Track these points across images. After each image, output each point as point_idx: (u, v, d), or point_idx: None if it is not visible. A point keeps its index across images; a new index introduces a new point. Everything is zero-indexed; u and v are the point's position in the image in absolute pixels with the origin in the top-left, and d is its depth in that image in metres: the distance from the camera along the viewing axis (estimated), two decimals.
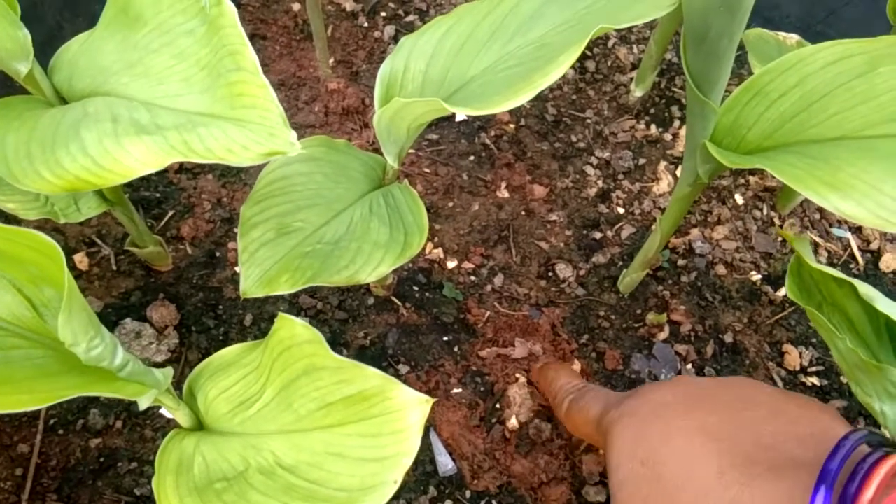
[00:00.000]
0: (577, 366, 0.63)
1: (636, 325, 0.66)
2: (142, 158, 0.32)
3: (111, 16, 0.40)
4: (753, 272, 0.70)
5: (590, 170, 0.76)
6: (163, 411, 0.53)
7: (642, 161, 0.77)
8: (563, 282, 0.69)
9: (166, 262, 0.64)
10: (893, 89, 0.40)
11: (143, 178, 0.69)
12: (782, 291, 0.69)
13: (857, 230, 0.74)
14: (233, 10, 0.34)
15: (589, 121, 0.80)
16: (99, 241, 0.65)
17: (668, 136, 0.79)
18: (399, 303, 0.66)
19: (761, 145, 0.45)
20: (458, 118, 0.78)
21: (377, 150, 0.49)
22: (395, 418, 0.33)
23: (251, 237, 0.43)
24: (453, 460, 0.58)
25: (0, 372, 0.32)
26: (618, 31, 0.88)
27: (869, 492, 0.27)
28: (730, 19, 0.38)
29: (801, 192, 0.37)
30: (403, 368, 0.62)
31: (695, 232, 0.72)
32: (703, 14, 0.39)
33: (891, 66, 0.41)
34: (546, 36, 0.44)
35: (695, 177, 0.49)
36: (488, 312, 0.66)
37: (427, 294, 0.67)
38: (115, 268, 0.64)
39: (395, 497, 0.44)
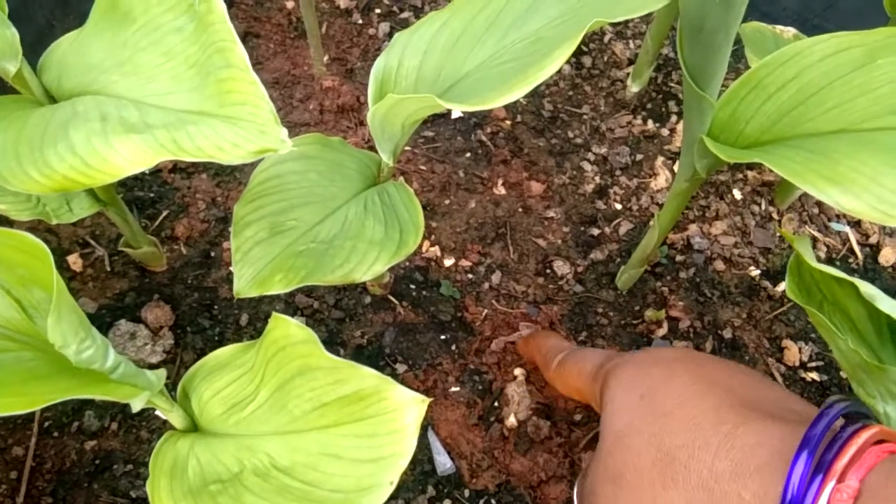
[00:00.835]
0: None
1: (635, 322, 0.66)
2: (131, 157, 0.31)
3: (100, 14, 0.40)
4: (752, 267, 0.70)
5: (587, 166, 0.76)
6: (158, 413, 0.53)
7: (639, 157, 0.77)
8: (560, 279, 0.68)
9: (161, 262, 0.63)
10: (892, 81, 0.40)
11: (136, 178, 0.68)
12: (781, 287, 0.68)
13: (855, 224, 0.74)
14: (222, 7, 0.33)
15: (585, 116, 0.79)
16: (93, 242, 0.64)
17: (665, 132, 0.79)
18: (396, 301, 0.65)
19: (759, 139, 0.44)
20: (454, 115, 0.78)
21: (372, 148, 0.48)
22: (391, 418, 0.33)
23: (244, 236, 0.42)
24: (452, 459, 0.58)
25: None
26: (614, 26, 0.87)
27: (844, 459, 0.28)
28: (726, 12, 0.38)
29: (799, 186, 0.37)
30: (401, 367, 0.62)
31: (693, 227, 0.72)
32: (699, 7, 0.38)
33: (889, 58, 0.40)
34: (541, 30, 0.43)
35: (692, 172, 0.49)
36: (486, 310, 0.66)
37: (424, 292, 0.66)
38: (109, 268, 0.63)
39: (393, 497, 0.44)
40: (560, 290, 0.68)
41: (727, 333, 0.65)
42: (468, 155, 0.75)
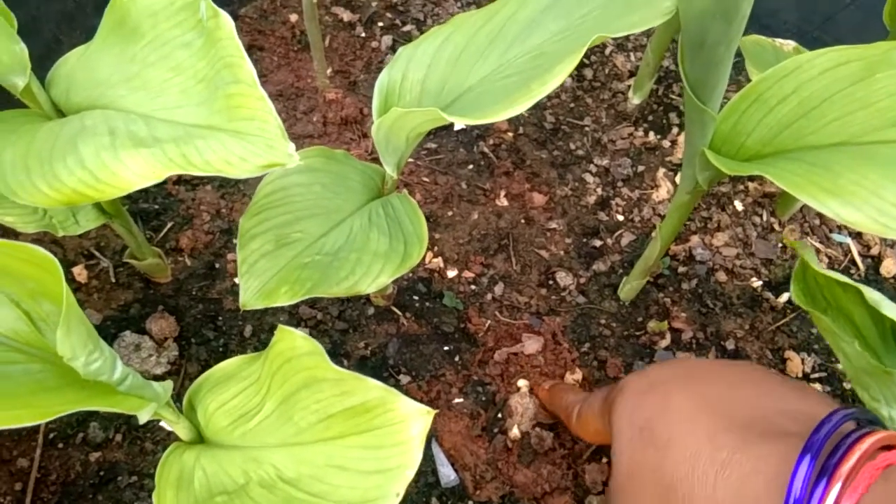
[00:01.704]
0: (578, 374, 0.63)
1: (637, 333, 0.66)
2: (140, 171, 0.32)
3: (108, 29, 0.40)
4: (754, 279, 0.70)
5: (589, 177, 0.76)
6: (163, 424, 0.53)
7: (641, 168, 0.77)
8: (563, 290, 0.68)
9: (165, 273, 0.63)
10: (891, 95, 0.40)
11: (141, 190, 0.68)
12: (783, 298, 0.69)
13: (857, 235, 0.74)
14: (230, 22, 0.34)
15: (587, 128, 0.80)
16: (97, 254, 0.65)
17: (666, 143, 0.79)
18: (399, 312, 0.65)
19: (760, 152, 0.45)
20: (457, 127, 0.79)
21: (376, 160, 0.49)
22: (396, 430, 0.33)
23: (250, 248, 0.43)
24: (455, 471, 0.58)
25: None
26: (615, 39, 0.88)
27: (849, 462, 0.28)
28: (727, 26, 0.38)
29: (801, 198, 0.37)
30: (404, 378, 0.62)
31: (695, 239, 0.72)
32: (700, 21, 0.39)
33: (888, 72, 0.41)
34: (543, 45, 0.44)
35: (694, 184, 0.49)
36: (489, 321, 0.66)
37: (427, 303, 0.66)
38: (113, 280, 0.64)
39: None
40: (563, 302, 0.68)
41: (730, 345, 0.65)
42: (471, 167, 0.76)
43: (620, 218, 0.74)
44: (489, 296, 0.67)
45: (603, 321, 0.67)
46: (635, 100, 0.81)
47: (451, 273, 0.68)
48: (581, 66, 0.85)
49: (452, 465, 0.58)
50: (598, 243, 0.72)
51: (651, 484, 0.35)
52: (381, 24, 0.86)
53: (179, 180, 0.71)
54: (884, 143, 0.40)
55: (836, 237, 0.74)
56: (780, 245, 0.72)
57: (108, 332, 0.61)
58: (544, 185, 0.75)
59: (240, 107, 0.32)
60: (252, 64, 0.34)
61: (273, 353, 0.37)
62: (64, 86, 0.42)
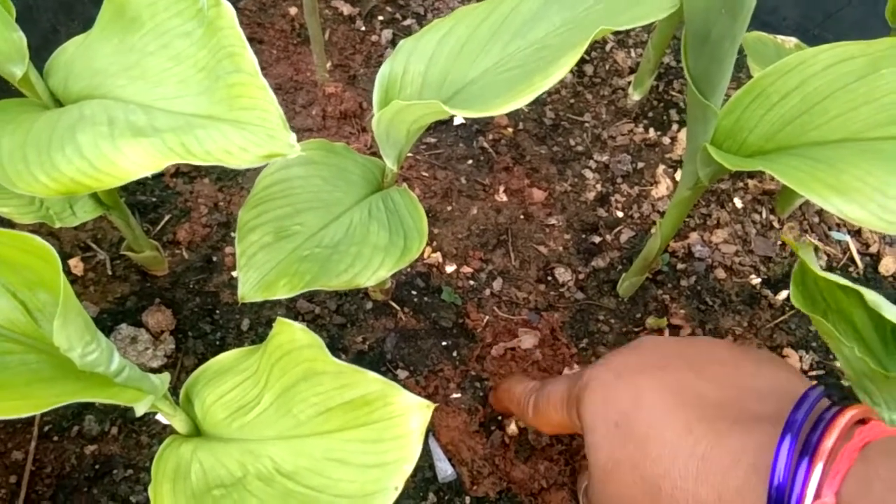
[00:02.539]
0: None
1: (636, 329, 0.66)
2: (138, 161, 0.31)
3: (107, 18, 0.40)
4: (753, 276, 0.70)
5: (588, 173, 0.76)
6: (159, 417, 0.52)
7: (641, 165, 0.77)
8: (562, 286, 0.68)
9: (162, 266, 0.63)
10: (895, 91, 0.40)
11: (138, 182, 0.68)
12: (782, 295, 0.69)
13: (856, 233, 0.74)
14: (231, 12, 0.33)
15: (587, 124, 0.80)
16: (94, 246, 0.64)
17: (666, 140, 0.79)
18: (398, 307, 0.65)
19: (763, 148, 0.45)
20: (457, 121, 0.78)
21: (375, 154, 0.49)
22: (396, 423, 0.33)
23: (249, 241, 0.43)
24: (453, 466, 0.57)
25: None
26: (615, 34, 0.88)
27: (830, 440, 0.28)
28: (731, 21, 0.38)
29: (803, 194, 0.37)
30: (402, 373, 0.62)
31: (694, 235, 0.72)
32: (704, 16, 0.39)
33: (892, 68, 0.40)
34: (546, 38, 0.43)
35: (695, 180, 0.49)
36: (487, 317, 0.66)
37: (426, 298, 0.66)
38: (110, 272, 0.63)
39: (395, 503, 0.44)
40: (561, 297, 0.68)
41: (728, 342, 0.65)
42: (470, 162, 0.75)
43: (620, 214, 0.74)
44: (488, 291, 0.67)
45: (601, 317, 0.66)
46: (635, 96, 0.81)
47: (450, 268, 0.68)
48: (581, 62, 0.85)
49: (450, 460, 0.58)
50: (597, 239, 0.71)
51: (633, 480, 0.35)
52: (381, 17, 0.86)
53: (177, 172, 0.70)
54: (888, 139, 0.40)
55: (835, 235, 0.74)
56: (779, 242, 0.72)
57: (105, 324, 0.60)
58: (544, 181, 0.75)
59: (241, 96, 0.32)
60: (253, 54, 0.34)
61: (272, 346, 0.36)
62: (62, 75, 0.42)
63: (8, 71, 0.39)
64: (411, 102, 0.39)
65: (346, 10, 0.85)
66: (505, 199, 0.73)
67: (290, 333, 0.35)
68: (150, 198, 0.68)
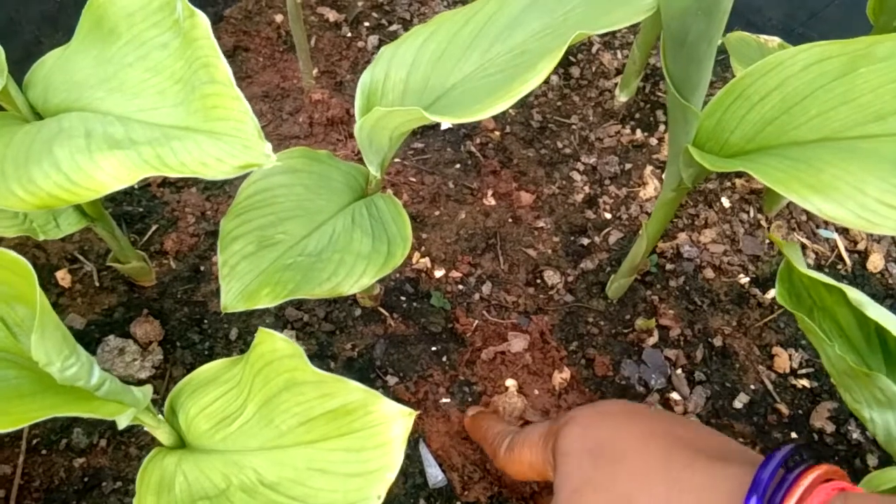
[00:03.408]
0: (566, 373, 0.63)
1: (625, 331, 0.66)
2: (114, 173, 0.31)
3: (86, 30, 0.40)
4: (741, 275, 0.70)
5: (576, 176, 0.76)
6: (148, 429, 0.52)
7: (628, 166, 0.77)
8: (551, 289, 0.68)
9: (149, 277, 0.63)
10: (874, 89, 0.40)
11: (125, 193, 0.68)
12: (771, 294, 0.69)
13: (843, 231, 0.74)
14: (206, 22, 0.33)
15: (574, 127, 0.80)
16: (81, 258, 0.64)
17: (653, 141, 0.79)
18: (386, 313, 0.65)
19: (744, 148, 0.45)
20: (444, 126, 0.78)
21: (362, 161, 0.48)
22: (377, 432, 0.33)
23: (231, 250, 0.42)
24: (443, 472, 0.57)
25: None
26: (601, 36, 0.88)
27: (792, 499, 0.29)
28: (707, 22, 0.38)
29: (783, 194, 0.37)
30: (392, 379, 0.61)
31: (682, 236, 0.72)
32: (681, 18, 0.39)
33: (870, 67, 0.41)
34: (526, 43, 0.43)
35: (679, 181, 0.49)
36: (476, 321, 0.66)
37: (415, 304, 0.66)
38: (97, 284, 0.63)
39: None
40: (550, 300, 0.68)
41: (717, 341, 0.65)
42: (458, 166, 0.75)
43: (608, 216, 0.74)
44: (477, 295, 0.67)
45: (591, 319, 0.66)
46: (622, 97, 0.81)
47: (439, 273, 0.68)
48: (568, 64, 0.85)
49: (440, 465, 0.58)
50: (585, 241, 0.71)
51: (604, 495, 0.36)
52: (367, 23, 0.86)
53: (164, 182, 0.70)
54: (866, 137, 0.40)
55: (822, 233, 0.74)
56: (767, 241, 0.72)
57: (93, 336, 0.60)
58: (531, 184, 0.75)
59: (216, 107, 0.32)
60: (230, 64, 0.34)
61: (254, 356, 0.36)
62: (42, 88, 0.42)
63: None
64: (392, 109, 0.39)
65: (332, 16, 0.85)
66: (493, 202, 0.73)
67: (272, 343, 0.35)
68: (137, 208, 0.68)
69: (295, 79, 0.79)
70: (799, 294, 0.47)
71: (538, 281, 0.69)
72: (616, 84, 0.82)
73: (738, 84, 0.44)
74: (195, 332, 0.62)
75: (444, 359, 0.63)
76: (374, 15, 0.87)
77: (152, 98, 0.35)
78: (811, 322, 0.42)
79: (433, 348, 0.64)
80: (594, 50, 0.87)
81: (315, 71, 0.80)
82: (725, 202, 0.75)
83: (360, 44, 0.84)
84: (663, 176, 0.76)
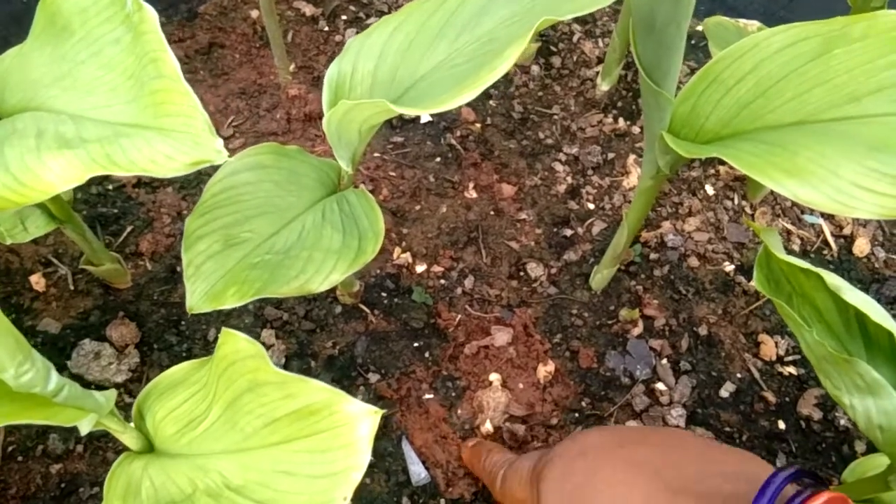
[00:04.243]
0: (550, 366, 0.62)
1: (610, 322, 0.65)
2: (62, 174, 0.30)
3: (40, 28, 0.39)
4: (726, 263, 0.69)
5: (558, 166, 0.75)
6: None
7: (611, 155, 0.76)
8: (534, 281, 0.67)
9: (125, 279, 0.62)
10: (848, 71, 0.39)
11: (99, 194, 0.67)
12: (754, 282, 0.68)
13: (829, 217, 0.74)
14: (154, 15, 0.32)
15: (556, 117, 0.79)
16: (55, 261, 0.63)
17: (635, 130, 0.78)
18: (367, 310, 0.64)
19: (720, 134, 0.44)
20: (423, 119, 0.77)
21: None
22: (343, 432, 0.32)
23: (196, 250, 0.41)
24: (426, 469, 0.57)
25: None
26: (582, 25, 0.87)
27: None
28: (675, 7, 0.37)
29: (757, 179, 0.37)
30: (373, 377, 0.61)
31: (666, 225, 0.71)
32: (648, 3, 0.38)
33: (845, 48, 0.40)
34: (494, 31, 0.43)
35: (656, 169, 0.48)
36: (459, 316, 0.65)
37: (396, 300, 0.65)
38: (72, 287, 0.62)
39: None
40: (534, 293, 0.67)
41: (703, 330, 0.65)
42: (438, 159, 0.75)
43: (591, 206, 0.73)
44: (459, 290, 0.66)
45: (575, 311, 0.66)
46: (604, 86, 0.80)
47: (420, 268, 0.67)
48: (549, 53, 0.84)
49: (423, 462, 0.57)
50: (568, 233, 0.71)
51: None
52: (344, 17, 0.85)
53: (139, 183, 0.69)
54: (841, 119, 0.39)
55: (808, 218, 0.73)
56: (751, 228, 0.71)
57: (68, 340, 0.59)
58: (513, 176, 0.74)
59: (165, 103, 0.31)
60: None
61: (218, 357, 0.35)
62: None
63: None
64: (358, 102, 0.38)
65: (309, 10, 0.84)
66: (474, 195, 0.72)
67: (234, 344, 0.34)
68: (111, 209, 0.67)
69: (272, 75, 0.78)
70: (778, 280, 0.46)
71: (521, 273, 0.68)
72: (597, 73, 0.81)
73: (712, 68, 0.43)
74: (172, 333, 0.61)
75: (427, 354, 0.62)
76: (352, 8, 0.86)
77: (105, 95, 0.34)
78: (790, 308, 0.41)
79: (415, 344, 0.63)
80: (575, 39, 0.86)
81: (292, 66, 0.79)
82: (709, 190, 0.74)
83: (338, 38, 0.83)
84: None
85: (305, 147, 0.65)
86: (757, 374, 0.63)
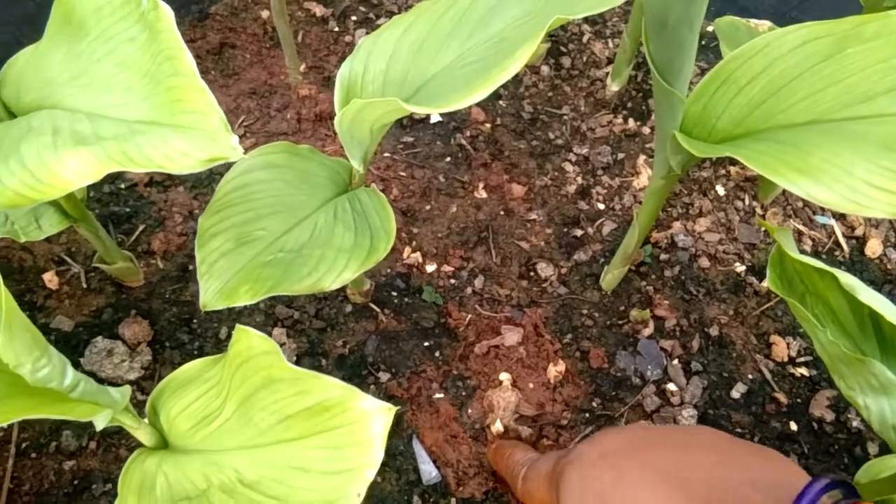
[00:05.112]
0: (561, 366, 0.62)
1: (620, 322, 0.65)
2: (79, 170, 0.30)
3: (56, 26, 0.39)
4: (737, 263, 0.69)
5: (568, 166, 0.75)
6: None
7: (621, 156, 0.76)
8: (544, 281, 0.67)
9: (137, 277, 0.62)
10: (861, 70, 0.39)
11: (112, 193, 0.68)
12: (767, 282, 0.68)
13: (840, 217, 0.73)
14: (170, 14, 0.32)
15: (566, 117, 0.79)
16: (68, 259, 0.64)
17: (646, 130, 0.78)
18: (378, 309, 0.64)
19: (732, 133, 0.44)
20: (433, 119, 0.77)
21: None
22: (356, 429, 0.32)
23: (210, 248, 0.42)
24: (437, 468, 0.57)
25: None
26: (592, 25, 0.87)
27: None
28: (688, 6, 0.37)
29: (771, 178, 0.36)
30: (384, 376, 0.61)
31: (677, 225, 0.71)
32: (661, 2, 0.38)
33: (858, 47, 0.40)
34: (505, 30, 0.43)
35: (667, 169, 0.48)
36: (469, 315, 0.65)
37: (406, 299, 0.65)
38: (85, 285, 0.63)
39: None
40: (544, 293, 0.67)
41: (714, 331, 0.65)
42: (448, 159, 0.75)
43: (601, 206, 0.73)
44: (469, 289, 0.66)
45: (585, 311, 0.66)
46: (614, 87, 0.80)
47: (430, 267, 0.67)
48: (559, 54, 0.84)
49: (434, 461, 0.57)
50: (578, 233, 0.71)
51: None
52: (354, 17, 0.85)
53: (151, 182, 0.70)
54: (855, 119, 0.39)
55: (819, 219, 0.73)
56: (763, 229, 0.71)
57: (81, 338, 0.60)
58: (523, 176, 0.74)
59: (181, 100, 0.31)
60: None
61: (232, 354, 0.36)
62: (14, 87, 0.41)
63: None
64: (370, 101, 0.38)
65: (319, 11, 0.84)
66: (484, 195, 0.73)
67: (248, 340, 0.34)
68: (123, 208, 0.68)
69: (282, 75, 0.79)
70: (791, 280, 0.46)
71: (531, 273, 0.68)
72: (607, 73, 0.81)
73: (724, 68, 0.43)
74: (184, 331, 0.61)
75: (437, 354, 0.63)
76: (362, 9, 0.86)
77: (121, 93, 0.34)
78: (803, 308, 0.41)
79: (426, 343, 0.63)
80: (585, 39, 0.86)
81: (302, 66, 0.79)
82: (720, 190, 0.74)
83: (348, 38, 0.83)
84: None
85: (316, 147, 0.65)
86: (769, 375, 0.63)
